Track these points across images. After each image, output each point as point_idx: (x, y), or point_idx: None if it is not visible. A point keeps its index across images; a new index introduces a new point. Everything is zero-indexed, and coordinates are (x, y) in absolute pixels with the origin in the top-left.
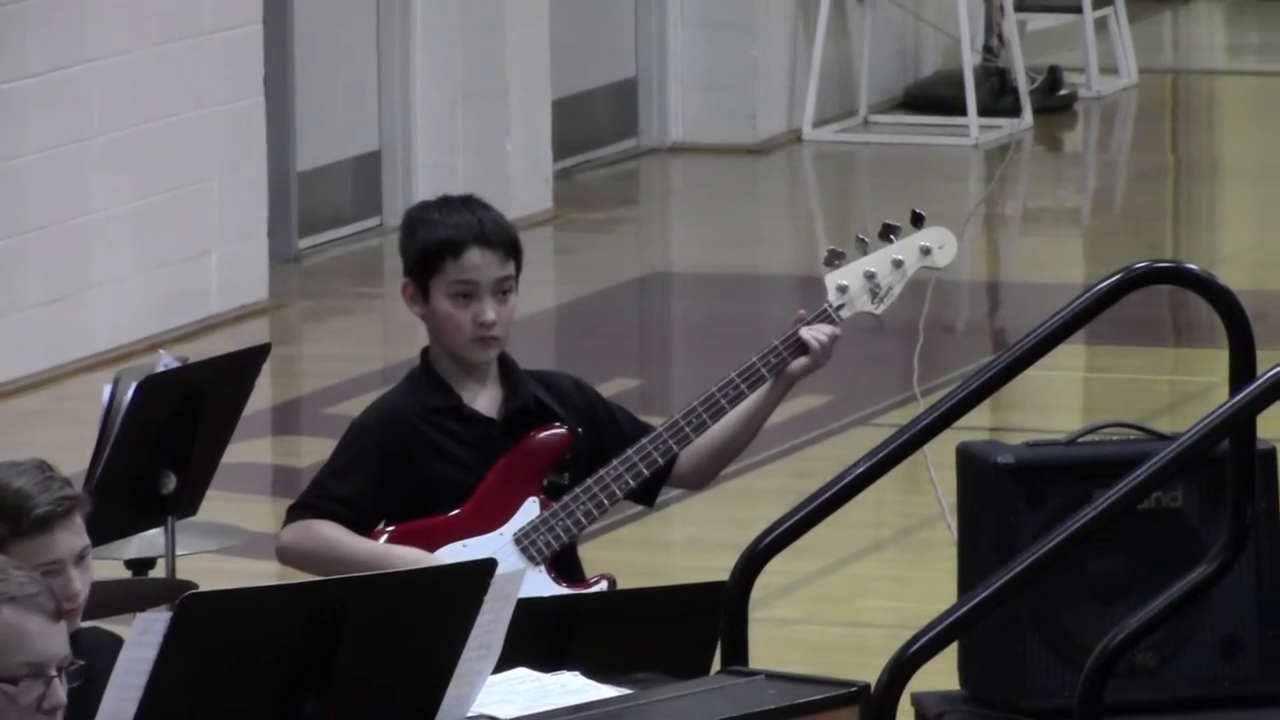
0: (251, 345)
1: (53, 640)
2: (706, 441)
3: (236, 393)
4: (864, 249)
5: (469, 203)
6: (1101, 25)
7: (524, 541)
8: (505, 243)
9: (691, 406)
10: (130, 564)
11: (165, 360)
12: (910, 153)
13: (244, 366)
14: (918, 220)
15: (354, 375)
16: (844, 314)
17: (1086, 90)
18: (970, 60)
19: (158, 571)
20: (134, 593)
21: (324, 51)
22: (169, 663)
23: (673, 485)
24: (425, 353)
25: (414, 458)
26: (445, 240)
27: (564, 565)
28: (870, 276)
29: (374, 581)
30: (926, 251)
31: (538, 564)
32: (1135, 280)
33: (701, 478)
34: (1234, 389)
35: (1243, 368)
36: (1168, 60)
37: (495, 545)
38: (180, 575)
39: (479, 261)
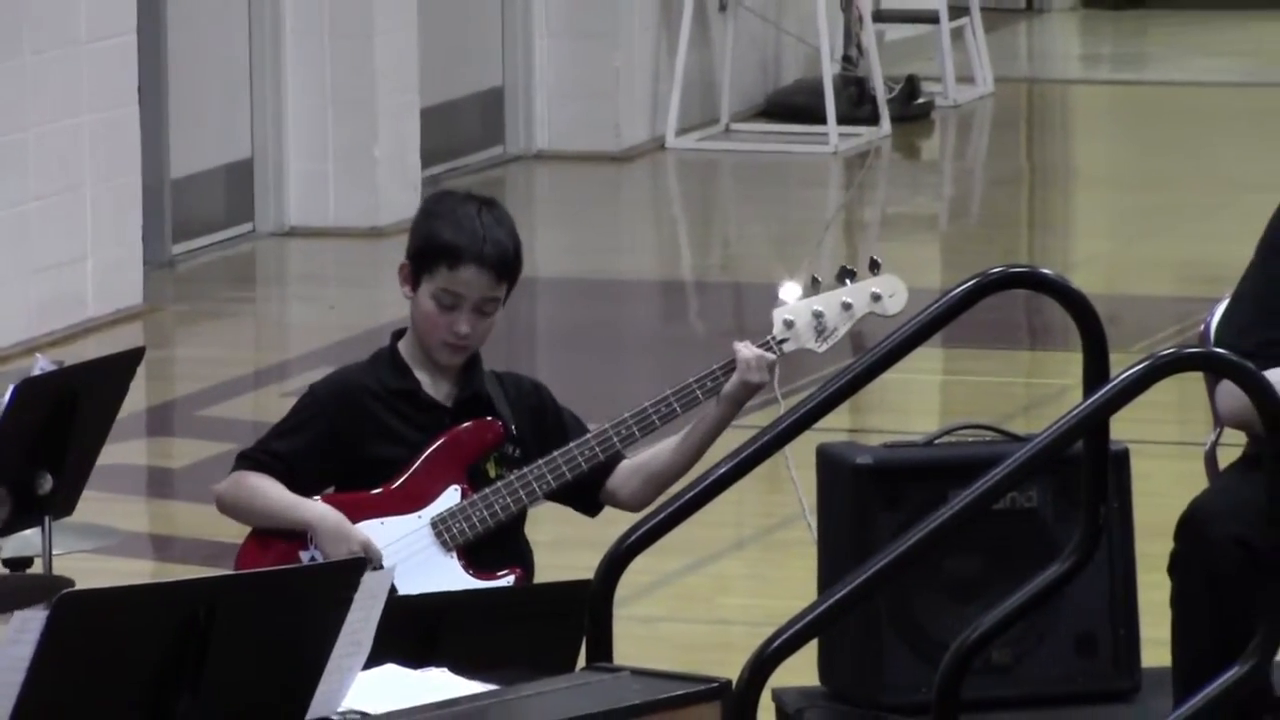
0: (126, 349)
1: None
2: (645, 465)
3: (112, 395)
4: (816, 288)
5: (486, 213)
6: (958, 35)
7: (439, 527)
8: (502, 267)
9: (622, 418)
10: (7, 563)
11: (42, 363)
12: (771, 160)
13: (119, 369)
14: (874, 267)
15: (227, 378)
16: (786, 348)
17: (943, 99)
18: (830, 69)
19: (35, 571)
20: (10, 589)
21: (197, 61)
22: (46, 660)
23: (610, 505)
24: (395, 335)
25: (361, 434)
26: (447, 246)
27: (477, 555)
28: (818, 315)
29: (244, 580)
30: (876, 298)
31: (449, 550)
32: (991, 285)
33: (638, 501)
34: (1088, 391)
35: (1096, 370)
36: (1023, 69)
37: (412, 527)
38: (57, 574)
39: (470, 279)
